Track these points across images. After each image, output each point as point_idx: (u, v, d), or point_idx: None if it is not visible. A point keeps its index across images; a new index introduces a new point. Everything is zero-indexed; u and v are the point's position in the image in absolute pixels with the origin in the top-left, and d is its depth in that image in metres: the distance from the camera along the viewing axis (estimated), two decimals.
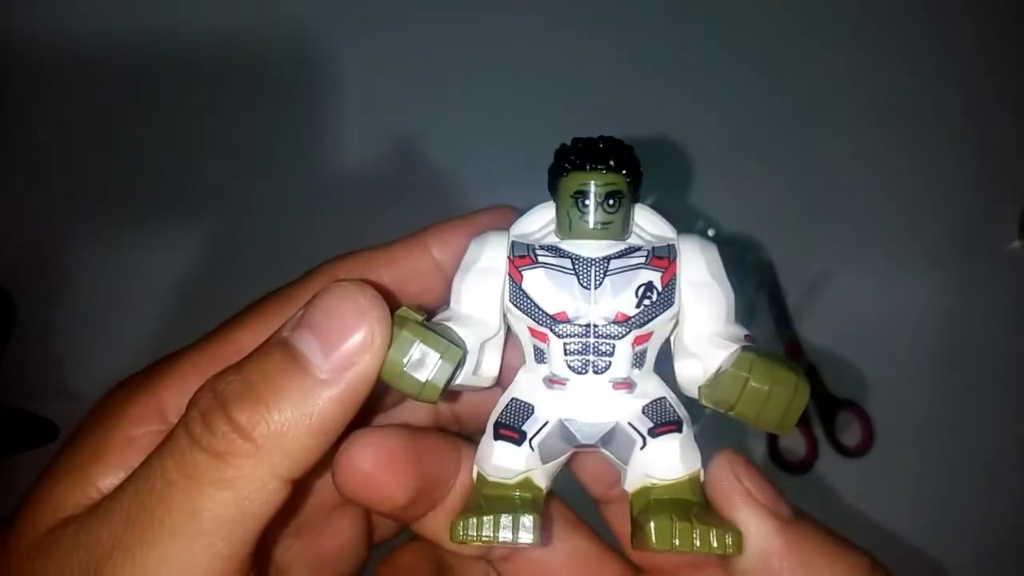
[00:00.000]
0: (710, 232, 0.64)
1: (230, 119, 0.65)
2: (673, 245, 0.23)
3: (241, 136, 0.65)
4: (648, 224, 0.24)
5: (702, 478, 0.22)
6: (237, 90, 0.66)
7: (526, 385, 0.23)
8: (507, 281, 0.22)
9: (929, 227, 0.66)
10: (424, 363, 0.20)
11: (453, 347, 0.21)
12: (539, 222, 0.23)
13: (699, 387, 0.23)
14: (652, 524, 0.20)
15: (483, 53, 0.66)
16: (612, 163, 0.22)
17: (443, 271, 0.24)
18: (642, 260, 0.22)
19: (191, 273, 0.62)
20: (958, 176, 0.66)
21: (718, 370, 0.22)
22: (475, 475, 0.23)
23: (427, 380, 0.20)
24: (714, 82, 0.67)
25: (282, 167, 0.65)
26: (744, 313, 0.24)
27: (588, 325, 0.22)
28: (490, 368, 0.24)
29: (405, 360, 0.20)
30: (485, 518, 0.20)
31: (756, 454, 0.60)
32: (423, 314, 0.21)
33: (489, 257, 0.23)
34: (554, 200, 0.23)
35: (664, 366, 0.24)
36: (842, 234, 0.66)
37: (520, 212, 0.24)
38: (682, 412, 0.23)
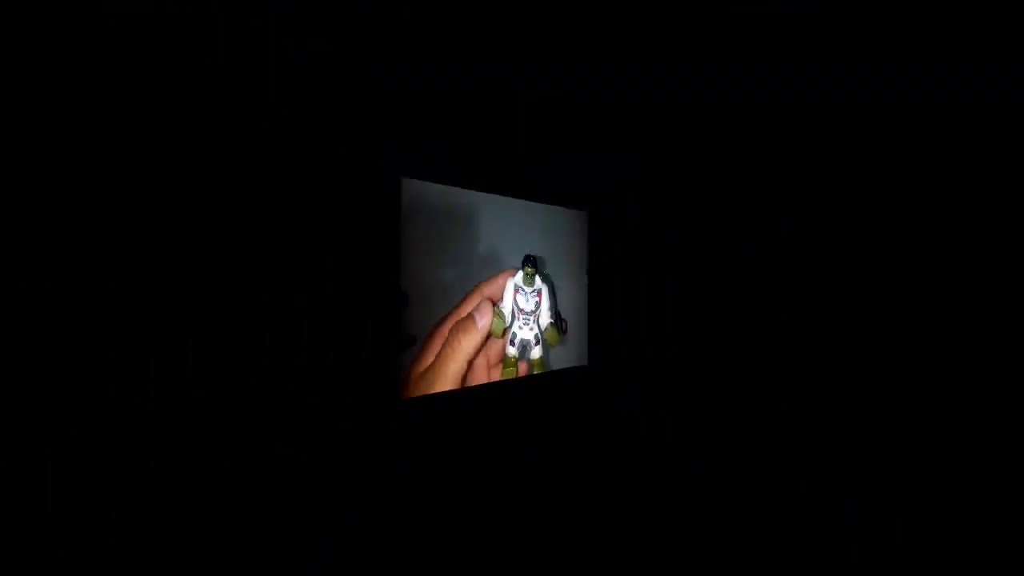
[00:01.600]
0: (537, 258, 1.59)
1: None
2: (542, 289, 1.52)
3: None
4: (541, 277, 1.01)
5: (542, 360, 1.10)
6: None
7: (515, 328, 1.69)
8: (514, 297, 1.02)
9: None
10: (498, 324, 1.26)
11: (506, 320, 1.03)
12: (518, 276, 1.37)
13: (538, 334, 1.02)
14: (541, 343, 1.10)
15: None
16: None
17: (489, 296, 1.55)
18: (538, 291, 1.24)
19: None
20: None
21: (545, 328, 1.26)
22: (508, 352, 1.48)
23: (495, 329, 1.15)
24: None
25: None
26: (550, 299, 1.10)
27: (529, 312, 1.44)
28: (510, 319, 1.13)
29: (494, 323, 1.24)
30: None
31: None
32: (500, 310, 1.29)
33: (510, 289, 1.72)
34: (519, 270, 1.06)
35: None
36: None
37: (514, 272, 1.03)
38: (541, 337, 0.91)
